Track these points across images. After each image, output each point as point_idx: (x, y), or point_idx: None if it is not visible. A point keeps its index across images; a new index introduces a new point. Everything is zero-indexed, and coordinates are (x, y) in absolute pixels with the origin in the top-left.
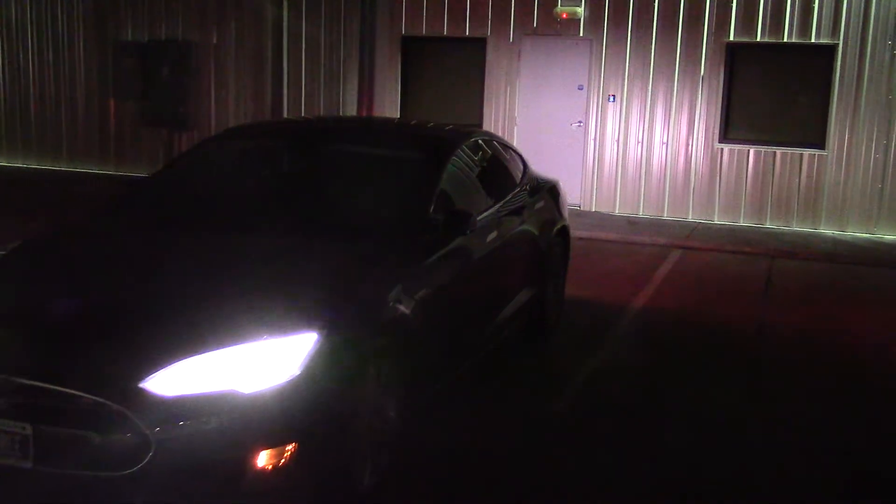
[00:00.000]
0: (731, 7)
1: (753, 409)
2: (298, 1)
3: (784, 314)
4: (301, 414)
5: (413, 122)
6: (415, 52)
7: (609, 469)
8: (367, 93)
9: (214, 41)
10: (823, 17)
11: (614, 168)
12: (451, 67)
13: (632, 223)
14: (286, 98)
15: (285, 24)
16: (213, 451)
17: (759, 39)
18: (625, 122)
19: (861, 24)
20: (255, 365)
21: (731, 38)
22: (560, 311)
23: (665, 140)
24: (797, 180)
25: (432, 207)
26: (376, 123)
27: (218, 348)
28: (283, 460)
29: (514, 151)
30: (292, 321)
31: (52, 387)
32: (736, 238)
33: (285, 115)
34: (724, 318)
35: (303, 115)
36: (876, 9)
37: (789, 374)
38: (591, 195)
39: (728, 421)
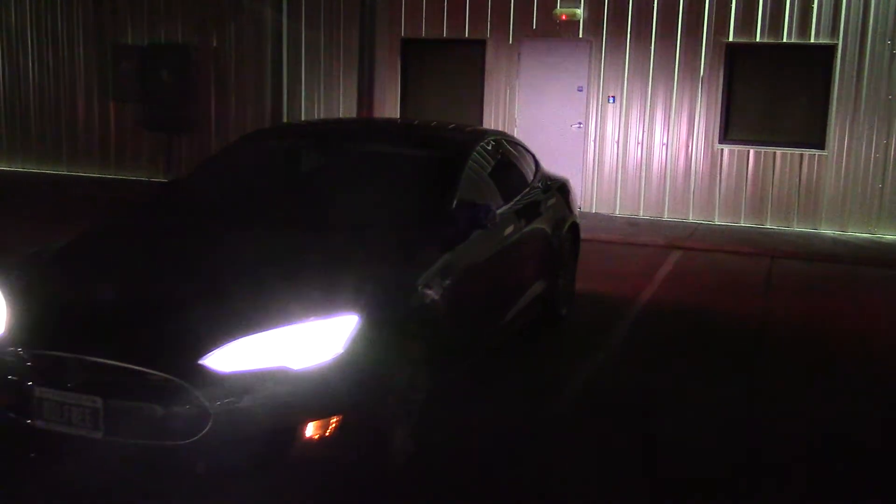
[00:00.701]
0: (731, 8)
1: (753, 408)
2: (298, 4)
3: (785, 314)
4: (344, 389)
5: (434, 124)
6: (414, 54)
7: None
8: (366, 95)
9: (214, 44)
10: (822, 18)
11: (614, 169)
12: (450, 69)
13: (632, 224)
14: (286, 101)
15: (285, 26)
16: (265, 421)
17: (758, 40)
18: (625, 123)
19: (860, 24)
20: (303, 344)
21: (731, 39)
22: (571, 304)
23: (665, 141)
24: (797, 181)
25: (454, 203)
26: (401, 125)
27: (269, 329)
28: (328, 431)
29: (527, 151)
30: (335, 304)
31: (120, 364)
32: (736, 238)
33: (285, 118)
34: (725, 318)
35: (304, 118)
36: (875, 9)
37: (790, 372)
38: (592, 196)
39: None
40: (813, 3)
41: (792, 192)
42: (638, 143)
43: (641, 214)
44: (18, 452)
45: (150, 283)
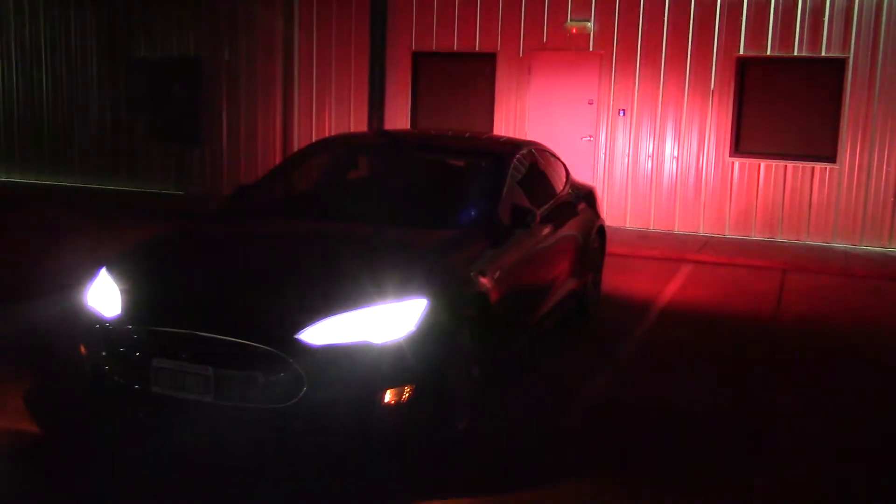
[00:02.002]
0: (741, 21)
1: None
2: (309, 18)
3: (796, 329)
4: (416, 362)
5: (483, 136)
6: (425, 67)
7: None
8: (377, 108)
9: (226, 57)
10: (833, 31)
11: (625, 182)
12: (461, 83)
13: (643, 237)
14: (297, 113)
15: (296, 40)
16: (351, 388)
17: (769, 53)
18: (635, 136)
19: (871, 37)
20: (382, 322)
21: (742, 52)
22: (598, 302)
23: (676, 154)
24: (809, 194)
25: (500, 204)
26: (452, 136)
27: (354, 309)
28: (403, 398)
29: (559, 160)
30: (408, 290)
31: (229, 339)
32: (748, 252)
33: (295, 131)
34: (736, 331)
35: (315, 130)
36: (886, 22)
37: (802, 388)
38: (602, 209)
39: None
40: (824, 17)
41: (803, 206)
42: (648, 155)
43: (652, 227)
44: (134, 415)
45: (247, 270)
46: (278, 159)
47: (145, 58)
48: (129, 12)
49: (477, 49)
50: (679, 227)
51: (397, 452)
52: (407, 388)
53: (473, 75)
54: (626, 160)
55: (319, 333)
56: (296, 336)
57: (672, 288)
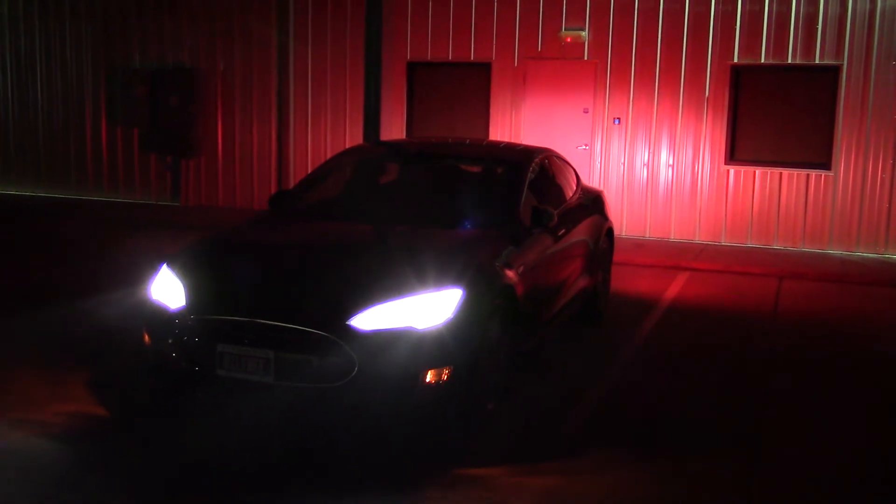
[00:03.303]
0: (735, 29)
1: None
2: (304, 28)
3: (794, 335)
4: (454, 346)
5: (501, 144)
6: (420, 76)
7: None
8: (372, 117)
9: (221, 68)
10: (827, 39)
11: (620, 190)
12: (456, 92)
13: (639, 245)
14: (293, 123)
15: (291, 51)
16: (397, 368)
17: (763, 61)
18: (630, 144)
19: (865, 44)
20: (423, 310)
21: (736, 60)
22: (607, 300)
23: (671, 162)
24: (804, 201)
25: (521, 207)
26: (475, 144)
27: (398, 298)
28: (442, 378)
29: (570, 165)
30: (445, 281)
31: (288, 325)
32: (744, 259)
33: (290, 141)
34: (734, 338)
35: (311, 140)
36: (879, 30)
37: (801, 396)
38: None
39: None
40: (817, 25)
41: (799, 213)
42: (644, 164)
43: (648, 235)
44: (197, 395)
45: (299, 264)
46: (273, 170)
47: (140, 69)
48: (125, 23)
49: (472, 58)
50: (675, 235)
51: (435, 427)
52: (445, 370)
53: (468, 84)
54: (622, 168)
55: (368, 320)
56: (347, 322)
57: (669, 295)
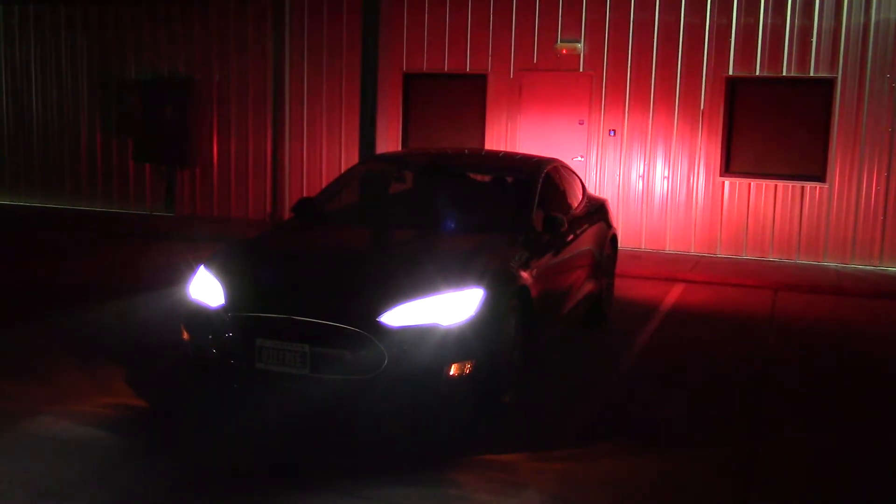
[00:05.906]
0: (730, 42)
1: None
2: (300, 39)
3: (789, 347)
4: (476, 342)
5: (515, 154)
6: (416, 88)
7: None
8: (368, 129)
9: (217, 78)
10: (822, 51)
11: (616, 202)
12: (452, 103)
13: (634, 257)
14: (288, 134)
15: (287, 61)
16: (423, 362)
17: (758, 74)
18: (626, 156)
19: (859, 57)
20: (448, 308)
21: (731, 73)
22: (611, 305)
23: (666, 174)
24: (799, 213)
25: (534, 213)
26: (491, 154)
27: (424, 297)
28: (465, 372)
29: (576, 175)
30: (468, 281)
31: (323, 322)
32: (739, 271)
33: (286, 152)
34: (729, 351)
35: (307, 151)
36: (873, 43)
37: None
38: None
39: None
40: (812, 38)
41: (794, 225)
42: (639, 176)
43: (643, 247)
44: (236, 388)
45: (330, 266)
46: (269, 180)
47: (136, 79)
48: (120, 34)
49: (468, 70)
50: (670, 247)
51: (457, 417)
52: (468, 363)
53: (464, 96)
54: (618, 180)
55: (397, 317)
56: (378, 319)
57: (665, 306)
